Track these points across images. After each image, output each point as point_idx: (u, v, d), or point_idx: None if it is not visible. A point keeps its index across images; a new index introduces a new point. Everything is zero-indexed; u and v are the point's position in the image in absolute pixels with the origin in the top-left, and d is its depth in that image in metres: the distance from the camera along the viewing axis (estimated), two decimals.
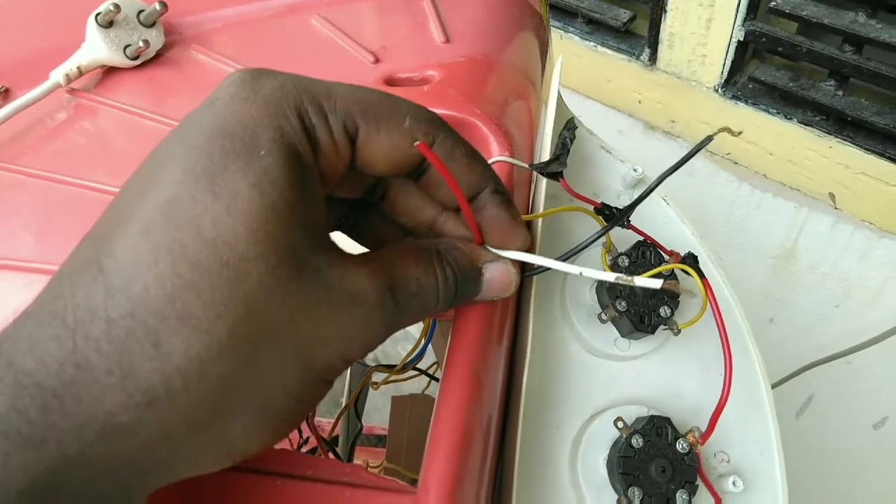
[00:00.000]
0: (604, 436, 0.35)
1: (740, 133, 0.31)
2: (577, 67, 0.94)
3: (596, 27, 0.89)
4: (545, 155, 0.39)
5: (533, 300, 0.34)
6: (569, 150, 0.34)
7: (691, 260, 0.34)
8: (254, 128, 0.20)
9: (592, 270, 0.26)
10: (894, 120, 0.67)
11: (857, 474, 1.13)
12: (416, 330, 0.43)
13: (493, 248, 0.26)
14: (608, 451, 0.34)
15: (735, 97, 0.79)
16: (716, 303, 0.32)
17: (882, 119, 0.67)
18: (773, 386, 0.92)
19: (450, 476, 0.22)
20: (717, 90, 0.80)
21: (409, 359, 0.39)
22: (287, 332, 0.19)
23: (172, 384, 0.17)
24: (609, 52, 0.88)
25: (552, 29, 0.57)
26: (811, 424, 1.12)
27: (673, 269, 0.36)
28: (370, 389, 0.47)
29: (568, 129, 0.35)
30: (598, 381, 0.37)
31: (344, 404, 0.39)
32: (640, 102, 0.90)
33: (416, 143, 0.22)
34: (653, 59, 0.84)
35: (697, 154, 0.84)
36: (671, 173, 0.30)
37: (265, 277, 0.18)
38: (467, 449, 0.23)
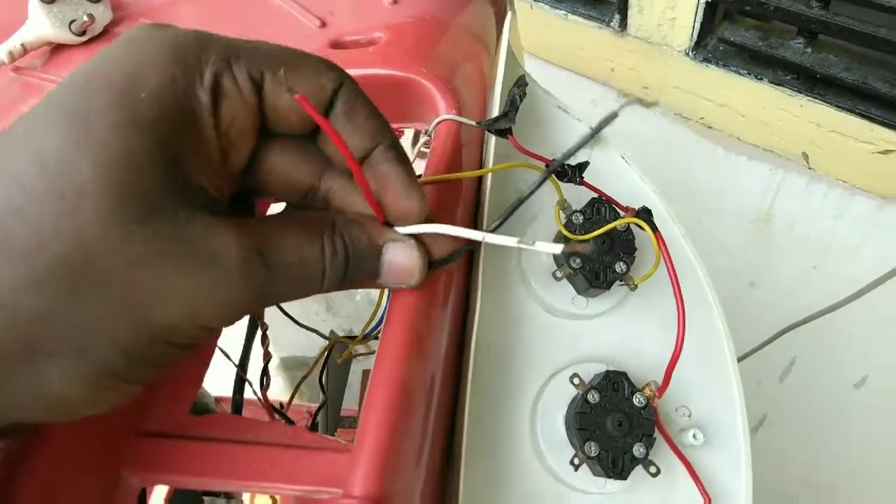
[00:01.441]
0: (562, 394, 0.34)
1: (655, 103, 0.30)
2: (548, 37, 0.93)
3: None
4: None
5: (482, 262, 0.34)
6: (518, 108, 0.34)
7: (645, 214, 0.34)
8: (141, 71, 0.19)
9: (494, 236, 0.24)
10: (863, 75, 0.67)
11: (839, 434, 1.14)
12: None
13: (392, 219, 0.24)
14: (566, 408, 0.34)
15: (706, 60, 0.78)
16: (668, 253, 0.32)
17: (851, 75, 0.67)
18: (756, 350, 0.93)
19: (384, 432, 0.22)
20: (688, 54, 0.79)
21: (369, 329, 0.39)
22: (121, 278, 0.18)
23: None
24: (580, 19, 0.87)
25: None
26: (794, 387, 1.13)
27: (628, 224, 0.36)
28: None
29: (518, 87, 0.34)
30: (557, 341, 0.37)
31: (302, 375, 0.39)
32: (612, 70, 0.89)
33: (294, 98, 0.21)
34: (623, 24, 0.83)
35: (672, 120, 0.84)
36: (599, 131, 0.28)
37: (103, 215, 0.18)
38: (404, 405, 0.23)
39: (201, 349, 0.30)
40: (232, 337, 0.33)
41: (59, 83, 0.19)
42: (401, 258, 0.24)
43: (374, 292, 0.43)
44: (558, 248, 0.23)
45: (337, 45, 0.36)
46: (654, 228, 0.33)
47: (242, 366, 0.34)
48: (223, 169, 0.22)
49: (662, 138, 0.92)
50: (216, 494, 0.62)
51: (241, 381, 0.35)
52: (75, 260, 0.17)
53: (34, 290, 0.17)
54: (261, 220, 0.22)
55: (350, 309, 1.51)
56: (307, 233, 0.22)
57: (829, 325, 0.96)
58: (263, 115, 0.22)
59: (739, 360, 0.37)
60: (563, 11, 0.88)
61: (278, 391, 1.17)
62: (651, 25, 0.80)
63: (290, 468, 0.23)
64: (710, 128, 0.85)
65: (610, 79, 0.91)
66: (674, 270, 0.31)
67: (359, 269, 0.23)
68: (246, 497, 0.75)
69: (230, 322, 0.21)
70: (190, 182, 0.20)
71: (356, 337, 0.40)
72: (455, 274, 0.32)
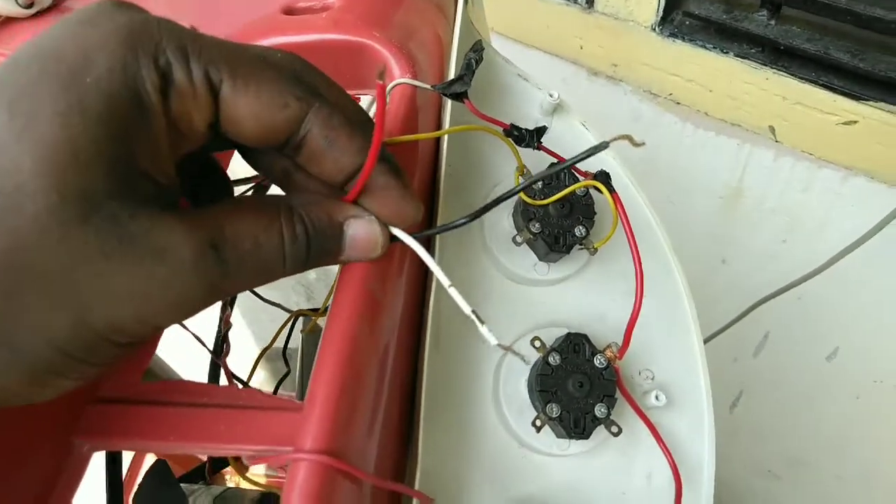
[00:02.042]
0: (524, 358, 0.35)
1: (642, 144, 0.31)
2: (516, 15, 0.92)
3: None
4: None
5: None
6: (473, 72, 0.34)
7: (602, 176, 0.34)
8: (90, 54, 0.18)
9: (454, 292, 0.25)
10: (825, 46, 0.67)
11: (814, 408, 1.16)
12: None
13: (384, 222, 0.24)
14: (528, 372, 0.34)
15: (672, 35, 0.78)
16: (625, 213, 0.32)
17: (813, 46, 0.67)
18: (729, 325, 0.94)
19: (334, 387, 0.22)
20: (654, 29, 0.79)
21: (330, 301, 0.39)
22: (61, 279, 0.18)
23: None
24: None
25: None
26: (769, 362, 1.14)
27: (587, 188, 0.36)
28: None
29: (474, 51, 0.34)
30: (519, 307, 0.37)
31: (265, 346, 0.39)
32: (581, 48, 0.89)
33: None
34: (590, 1, 0.83)
35: (641, 97, 0.84)
36: (588, 157, 0.29)
37: (41, 215, 0.17)
38: (355, 361, 0.23)
39: (149, 343, 0.29)
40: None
41: (3, 62, 0.19)
42: (362, 233, 0.24)
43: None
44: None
45: (290, 10, 0.35)
46: (612, 190, 0.33)
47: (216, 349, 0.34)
48: (172, 156, 0.21)
49: (631, 116, 0.92)
50: (194, 481, 0.61)
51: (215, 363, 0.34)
52: (12, 259, 0.17)
53: None
54: (213, 209, 0.21)
55: None
56: (263, 218, 0.21)
57: (800, 299, 0.98)
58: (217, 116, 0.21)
59: (714, 336, 0.38)
60: None
61: (261, 384, 1.16)
62: (618, 1, 0.80)
63: (242, 428, 0.23)
64: (678, 104, 0.85)
65: (580, 57, 0.91)
66: (630, 230, 0.31)
67: (320, 250, 0.23)
68: (232, 483, 0.75)
69: (184, 318, 0.21)
70: (136, 174, 0.19)
71: (318, 310, 0.40)
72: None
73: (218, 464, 0.59)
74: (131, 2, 0.20)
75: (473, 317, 0.25)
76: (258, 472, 0.76)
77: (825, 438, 1.20)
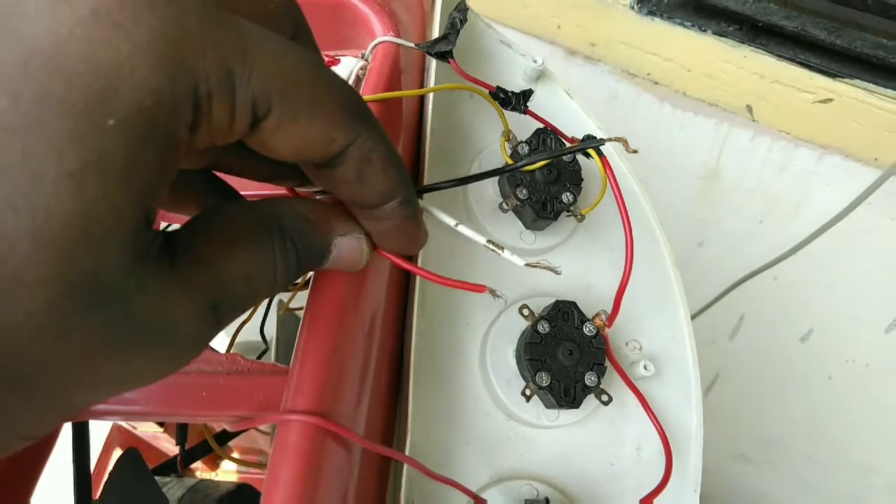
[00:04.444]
0: (512, 328, 0.34)
1: (636, 152, 0.30)
2: None
3: None
4: None
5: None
6: (458, 31, 0.32)
7: (592, 142, 0.33)
8: (113, 78, 0.13)
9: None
10: (802, 23, 0.67)
11: (788, 390, 1.18)
12: None
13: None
14: (517, 342, 0.33)
15: (651, 13, 0.78)
16: (615, 179, 0.31)
17: (791, 23, 0.67)
18: (706, 308, 0.94)
19: (323, 350, 0.20)
20: (633, 7, 0.79)
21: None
22: (48, 380, 0.14)
23: None
24: None
25: None
26: (745, 344, 1.16)
27: (574, 154, 0.35)
28: None
29: (458, 10, 0.33)
30: (507, 277, 0.36)
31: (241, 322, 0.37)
32: (559, 27, 0.89)
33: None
34: None
35: (620, 77, 0.84)
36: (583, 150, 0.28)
37: (40, 311, 0.13)
38: (344, 325, 0.22)
39: None
40: None
41: None
42: (348, 253, 0.21)
43: None
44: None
45: None
46: (601, 154, 0.32)
47: None
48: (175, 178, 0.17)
49: (610, 96, 0.92)
50: (166, 473, 0.60)
51: None
52: None
53: None
54: (205, 252, 0.17)
55: None
56: (256, 251, 0.19)
57: (775, 280, 0.99)
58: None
59: (692, 318, 0.37)
60: None
61: None
62: None
63: (225, 393, 0.22)
64: (656, 83, 0.85)
65: (557, 37, 0.90)
66: (620, 194, 0.31)
67: (306, 270, 0.21)
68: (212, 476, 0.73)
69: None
70: (145, 228, 0.15)
71: (298, 283, 0.39)
72: None
73: (190, 456, 0.58)
74: None
75: (491, 246, 0.24)
76: (230, 468, 0.75)
77: (797, 419, 1.22)
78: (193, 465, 0.63)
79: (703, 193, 0.95)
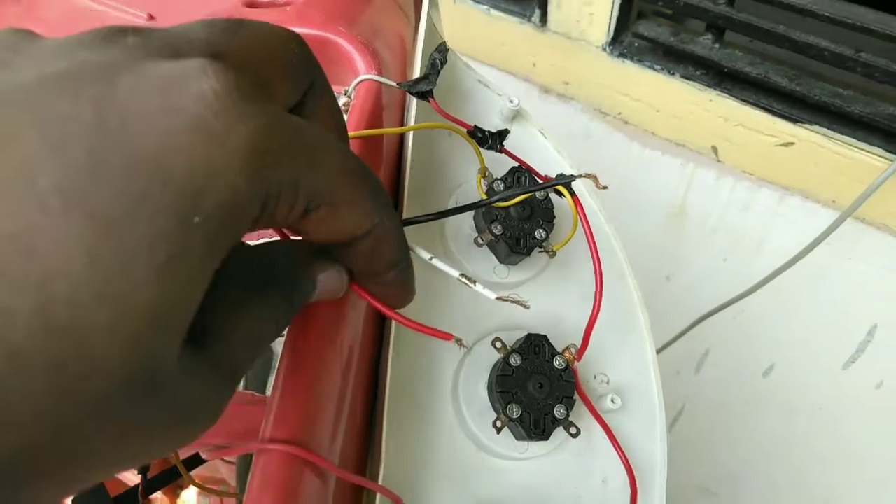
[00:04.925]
0: (484, 360, 0.34)
1: (605, 188, 0.32)
2: (471, 32, 0.94)
3: None
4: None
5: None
6: (439, 71, 0.34)
7: (564, 181, 0.35)
8: (206, 180, 0.14)
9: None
10: (765, 70, 0.71)
11: (751, 424, 1.20)
12: None
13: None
14: (488, 373, 0.34)
15: (622, 55, 0.81)
16: (585, 218, 0.33)
17: (755, 69, 0.71)
18: (673, 341, 0.96)
19: (302, 381, 0.21)
20: (605, 49, 0.82)
21: None
22: (80, 460, 0.14)
23: None
24: (501, 14, 0.88)
25: None
26: (709, 378, 1.18)
27: (547, 192, 0.37)
28: None
29: (439, 52, 0.34)
30: (480, 310, 0.37)
31: None
32: (534, 66, 0.91)
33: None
34: (543, 20, 0.85)
35: (592, 115, 0.86)
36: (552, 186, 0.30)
37: (100, 397, 0.13)
38: (321, 357, 0.22)
39: None
40: None
41: (64, 113, 0.13)
42: (330, 286, 0.22)
43: None
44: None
45: (252, 4, 0.35)
46: (573, 193, 0.33)
47: None
48: None
49: (583, 133, 0.94)
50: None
51: None
52: (40, 445, 0.13)
53: None
54: (221, 322, 0.18)
55: None
56: (261, 313, 0.19)
57: (738, 316, 1.01)
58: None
59: (657, 352, 0.38)
60: (484, 6, 0.89)
61: None
62: (570, 21, 0.82)
63: None
64: (626, 122, 0.88)
65: (532, 74, 0.93)
66: (590, 231, 0.32)
67: (300, 307, 0.21)
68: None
69: None
70: (190, 319, 0.15)
71: None
72: None
73: (151, 486, 0.57)
74: (258, 82, 0.16)
75: (464, 280, 0.25)
76: (188, 497, 0.74)
77: (759, 453, 1.24)
78: (153, 496, 0.62)
79: (670, 230, 0.97)
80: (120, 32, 0.15)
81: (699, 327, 0.98)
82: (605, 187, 0.32)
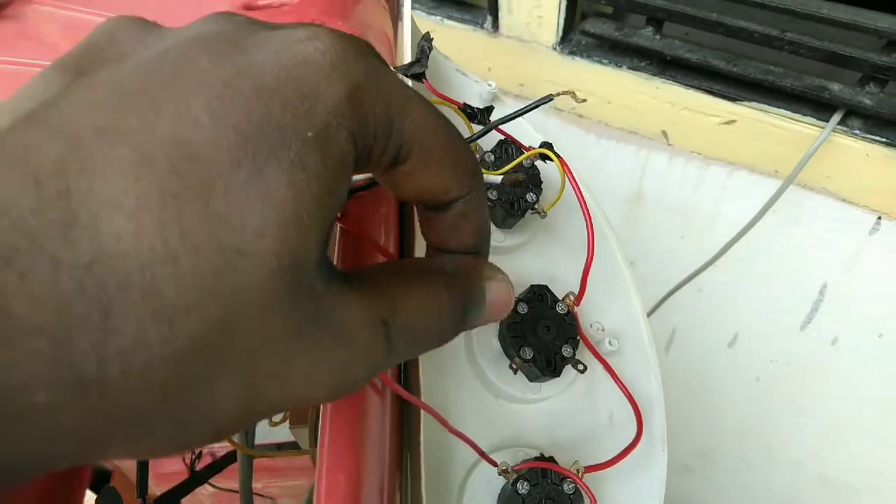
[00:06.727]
0: None
1: (584, 101, 0.36)
2: None
3: (440, 1, 0.94)
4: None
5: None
6: (428, 56, 0.37)
7: (548, 145, 0.39)
8: (312, 104, 0.16)
9: None
10: (703, 55, 0.77)
11: (720, 397, 1.25)
12: None
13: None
14: (498, 325, 0.37)
15: (572, 53, 0.86)
16: (572, 176, 0.37)
17: (694, 55, 0.77)
18: None
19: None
20: (555, 49, 0.87)
21: None
22: (251, 360, 0.15)
23: (108, 369, 0.13)
24: (455, 23, 0.93)
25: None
26: (679, 355, 1.23)
27: (532, 157, 0.41)
28: None
29: (425, 40, 0.38)
30: None
31: None
32: (489, 70, 0.96)
33: None
34: (495, 25, 0.90)
35: (547, 113, 0.91)
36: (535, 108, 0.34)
37: (257, 285, 0.15)
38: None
39: None
40: None
41: (204, 63, 0.16)
42: (501, 296, 0.22)
43: None
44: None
45: (249, 7, 0.38)
46: (558, 155, 0.37)
47: None
48: None
49: (540, 131, 0.99)
50: None
51: None
52: (215, 334, 0.14)
53: (169, 363, 0.14)
54: (380, 277, 0.19)
55: None
56: (429, 291, 0.20)
57: (699, 291, 1.07)
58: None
59: None
60: (438, 17, 0.93)
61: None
62: (520, 24, 0.87)
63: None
64: (581, 116, 0.93)
65: (488, 78, 0.97)
66: (578, 187, 0.36)
67: (473, 320, 0.22)
68: None
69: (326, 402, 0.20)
70: (328, 239, 0.17)
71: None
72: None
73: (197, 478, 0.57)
74: (353, 36, 0.18)
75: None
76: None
77: (729, 424, 1.29)
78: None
79: (629, 215, 1.03)
80: (231, 13, 0.18)
81: (664, 307, 1.02)
82: (583, 100, 0.36)
